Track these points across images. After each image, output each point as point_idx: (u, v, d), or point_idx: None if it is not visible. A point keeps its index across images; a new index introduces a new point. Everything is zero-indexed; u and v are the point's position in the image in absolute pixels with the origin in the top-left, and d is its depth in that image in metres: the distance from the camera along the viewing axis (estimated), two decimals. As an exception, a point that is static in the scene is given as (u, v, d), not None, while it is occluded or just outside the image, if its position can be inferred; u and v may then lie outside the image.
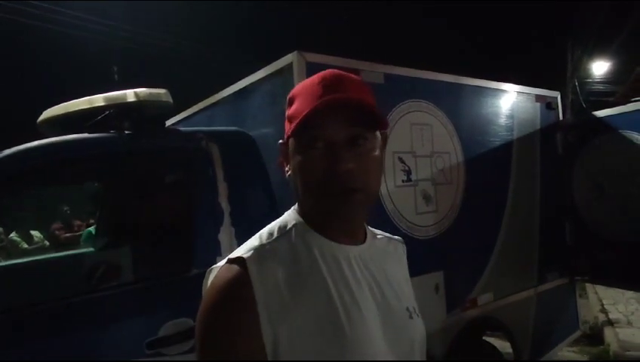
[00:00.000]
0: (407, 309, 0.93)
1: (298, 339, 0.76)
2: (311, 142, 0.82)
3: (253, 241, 0.86)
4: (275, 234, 0.87)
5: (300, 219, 0.90)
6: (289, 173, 0.90)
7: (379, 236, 1.02)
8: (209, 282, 0.83)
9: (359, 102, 0.82)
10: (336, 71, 0.89)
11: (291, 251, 0.84)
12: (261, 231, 0.90)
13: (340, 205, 0.82)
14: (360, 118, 0.82)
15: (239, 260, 0.80)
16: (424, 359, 0.94)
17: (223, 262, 0.84)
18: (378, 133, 0.88)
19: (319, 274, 0.83)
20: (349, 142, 0.82)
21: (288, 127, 0.86)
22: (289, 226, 0.89)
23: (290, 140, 0.86)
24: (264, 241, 0.85)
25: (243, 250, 0.83)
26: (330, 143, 0.81)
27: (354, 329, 0.80)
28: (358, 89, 0.86)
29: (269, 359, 0.76)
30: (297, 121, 0.80)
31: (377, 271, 0.92)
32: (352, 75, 0.89)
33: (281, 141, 0.92)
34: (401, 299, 0.93)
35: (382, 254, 0.97)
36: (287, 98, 0.91)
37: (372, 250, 0.94)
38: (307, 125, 0.80)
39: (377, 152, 0.87)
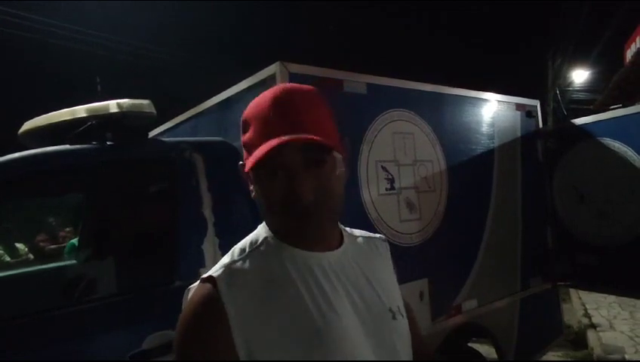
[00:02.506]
0: (391, 310, 0.93)
1: (275, 349, 0.77)
2: (269, 172, 0.83)
3: (225, 259, 0.88)
4: (247, 250, 0.89)
5: (271, 233, 0.91)
6: (253, 194, 0.91)
7: (358, 237, 1.03)
8: (185, 302, 0.86)
9: (311, 141, 0.81)
10: (288, 88, 0.89)
11: (263, 264, 0.86)
12: (234, 247, 0.92)
13: (304, 226, 0.84)
14: (316, 143, 0.82)
15: (209, 279, 0.83)
16: (410, 359, 0.94)
17: (197, 282, 0.86)
18: (337, 153, 0.88)
19: (292, 284, 0.84)
20: (307, 166, 0.83)
21: (245, 155, 0.88)
22: (260, 240, 0.91)
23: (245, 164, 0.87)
24: (235, 258, 0.87)
25: (214, 269, 0.85)
26: (288, 170, 0.82)
27: (332, 336, 0.80)
28: (313, 110, 0.86)
29: None
30: (254, 159, 0.80)
31: (356, 274, 0.93)
32: (305, 90, 0.89)
33: (241, 163, 0.92)
34: (384, 301, 0.93)
35: (361, 255, 0.98)
36: (242, 120, 0.90)
37: (349, 253, 0.95)
38: (264, 158, 0.80)
39: (337, 172, 0.88)
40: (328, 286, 0.86)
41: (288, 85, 0.90)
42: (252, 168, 0.82)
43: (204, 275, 0.85)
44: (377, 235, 1.09)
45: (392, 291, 0.99)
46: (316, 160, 0.84)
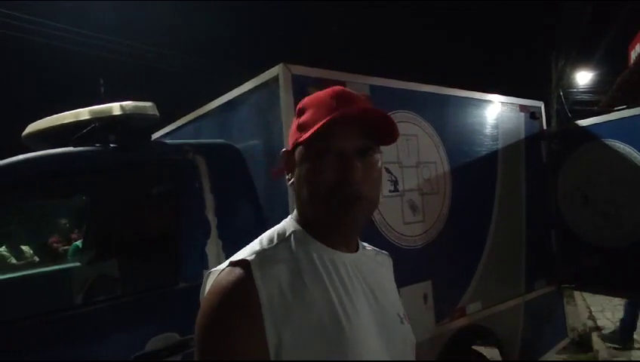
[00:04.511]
0: (399, 315, 0.98)
1: (301, 341, 0.78)
2: (324, 150, 0.85)
3: (255, 246, 0.89)
4: (275, 240, 0.90)
5: (298, 227, 0.93)
6: (291, 181, 0.94)
7: (367, 248, 1.06)
8: (208, 285, 0.84)
9: (377, 113, 0.87)
10: (346, 89, 0.94)
11: (292, 256, 0.87)
12: (260, 237, 0.92)
13: (348, 211, 0.86)
14: (369, 132, 0.88)
15: (243, 263, 0.82)
16: None
17: (224, 265, 0.85)
18: (380, 148, 0.93)
19: (320, 278, 0.86)
20: (359, 153, 0.86)
21: (297, 136, 0.90)
22: (288, 233, 0.92)
23: (299, 149, 0.90)
24: (265, 246, 0.88)
25: (245, 254, 0.85)
26: (343, 153, 0.85)
27: (353, 332, 0.83)
28: (368, 103, 0.94)
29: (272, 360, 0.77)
30: (313, 128, 0.83)
31: (370, 278, 0.96)
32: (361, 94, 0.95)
33: (284, 149, 0.96)
34: (393, 305, 0.98)
35: (372, 264, 1.02)
36: (297, 109, 0.95)
37: (364, 258, 0.99)
38: (322, 134, 0.83)
39: (380, 165, 0.92)
40: (350, 285, 0.89)
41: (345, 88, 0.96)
42: (305, 144, 0.86)
43: (234, 258, 0.84)
44: (383, 251, 1.13)
45: (397, 299, 1.03)
46: (368, 148, 0.88)
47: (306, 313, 0.80)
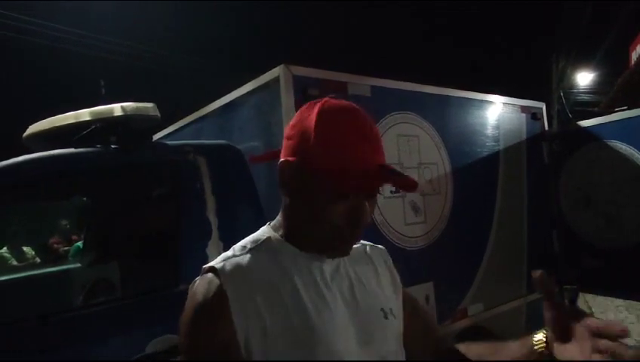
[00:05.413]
0: (382, 310, 0.97)
1: (271, 339, 0.81)
2: (342, 192, 0.85)
3: (227, 253, 0.92)
4: (248, 247, 0.92)
5: (274, 233, 0.95)
6: (289, 193, 0.91)
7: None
8: None
9: (406, 179, 0.90)
10: (357, 107, 0.90)
11: (263, 260, 0.89)
12: (234, 245, 0.95)
13: (348, 242, 0.90)
14: (410, 184, 0.89)
15: (212, 270, 0.86)
16: (403, 358, 0.98)
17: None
18: None
19: (290, 280, 0.87)
20: (372, 195, 0.89)
21: (317, 158, 0.84)
22: (262, 240, 0.93)
23: (311, 171, 0.84)
24: (236, 253, 0.90)
25: (215, 261, 0.89)
26: (360, 197, 0.86)
27: (326, 327, 0.85)
28: (379, 135, 0.92)
29: (244, 359, 0.81)
30: (346, 185, 0.83)
31: (350, 274, 0.97)
32: (363, 111, 0.90)
33: (284, 160, 0.89)
34: (376, 300, 0.97)
35: (356, 260, 1.01)
36: (319, 118, 0.85)
37: (345, 258, 0.97)
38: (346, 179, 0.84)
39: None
40: (323, 284, 0.90)
41: (354, 105, 0.91)
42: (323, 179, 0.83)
43: (206, 266, 0.89)
44: (378, 246, 1.12)
45: (384, 293, 1.02)
46: (379, 188, 0.90)
47: (276, 313, 0.83)
